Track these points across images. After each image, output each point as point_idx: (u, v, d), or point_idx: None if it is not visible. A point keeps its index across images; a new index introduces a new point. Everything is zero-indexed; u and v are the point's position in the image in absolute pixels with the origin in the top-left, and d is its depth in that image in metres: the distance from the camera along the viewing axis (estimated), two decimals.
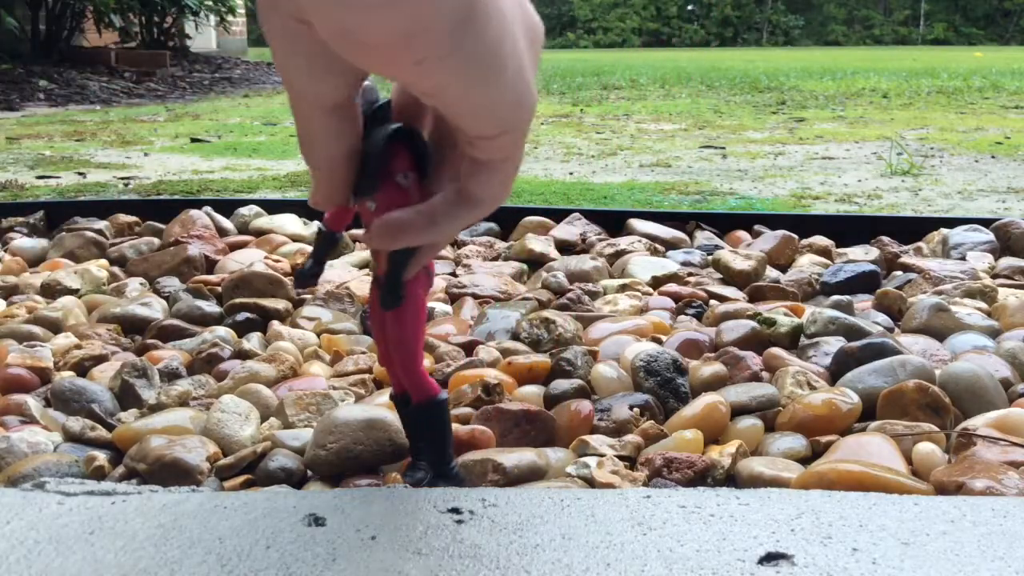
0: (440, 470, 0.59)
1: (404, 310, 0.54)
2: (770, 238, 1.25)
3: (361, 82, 0.45)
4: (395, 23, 0.36)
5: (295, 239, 1.29)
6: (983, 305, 0.98)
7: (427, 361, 0.83)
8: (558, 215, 1.37)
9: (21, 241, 1.29)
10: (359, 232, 1.34)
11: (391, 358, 0.57)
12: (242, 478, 0.64)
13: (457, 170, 0.47)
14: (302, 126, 0.45)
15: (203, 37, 8.22)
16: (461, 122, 0.43)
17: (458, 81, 0.39)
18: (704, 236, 1.33)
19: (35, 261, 1.23)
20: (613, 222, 1.37)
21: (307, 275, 0.56)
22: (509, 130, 0.43)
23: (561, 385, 0.76)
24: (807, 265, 1.16)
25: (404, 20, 0.36)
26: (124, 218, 1.37)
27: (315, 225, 1.37)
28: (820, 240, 1.25)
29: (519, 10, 0.42)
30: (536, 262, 1.20)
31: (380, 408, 0.69)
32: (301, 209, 1.41)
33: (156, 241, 1.27)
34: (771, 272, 1.15)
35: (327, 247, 0.56)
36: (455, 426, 0.69)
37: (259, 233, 1.32)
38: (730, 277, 1.12)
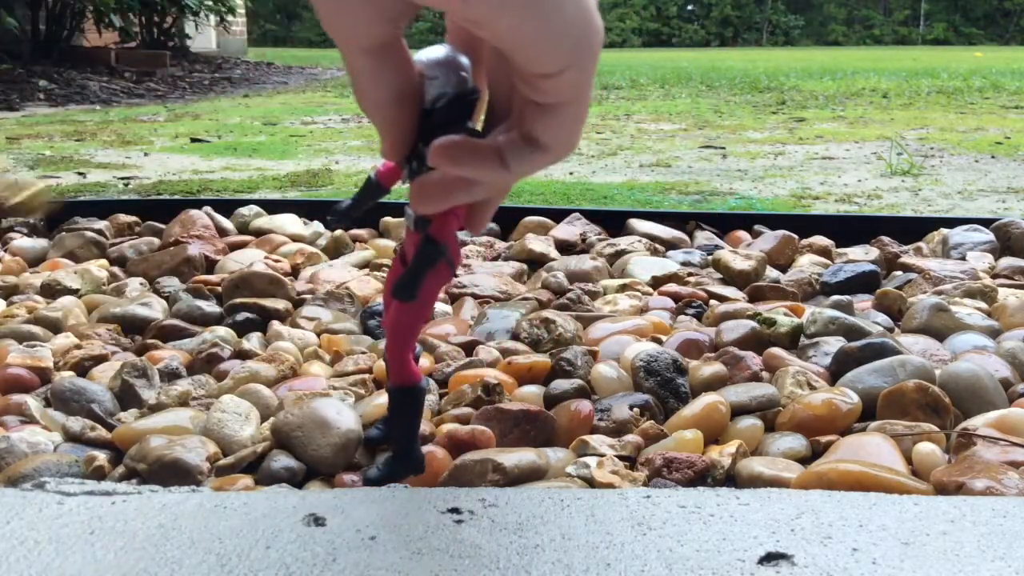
0: (401, 454, 0.58)
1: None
2: (770, 238, 1.25)
3: (406, 22, 0.42)
4: None
5: (295, 239, 1.29)
6: (983, 305, 0.98)
7: (426, 361, 0.83)
8: (558, 215, 1.37)
9: (21, 241, 1.29)
10: (360, 232, 1.34)
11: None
12: (242, 478, 0.64)
13: (519, 117, 0.43)
14: (349, 71, 0.42)
15: (203, 37, 8.22)
16: (518, 57, 0.39)
17: (511, 8, 0.36)
18: (704, 236, 1.33)
19: (35, 261, 1.23)
20: (613, 222, 1.37)
21: (342, 213, 0.55)
22: (572, 66, 0.39)
23: (561, 385, 0.76)
24: (807, 265, 1.16)
25: None
26: (124, 218, 1.37)
27: (315, 225, 1.37)
28: (820, 240, 1.25)
29: None
30: (536, 262, 1.20)
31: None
32: (301, 209, 1.41)
33: (156, 241, 1.27)
34: (771, 272, 1.15)
35: (370, 194, 0.54)
36: (455, 426, 0.69)
37: (259, 233, 1.32)
38: (730, 277, 1.12)
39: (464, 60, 0.46)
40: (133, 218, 1.37)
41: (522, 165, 0.43)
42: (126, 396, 0.78)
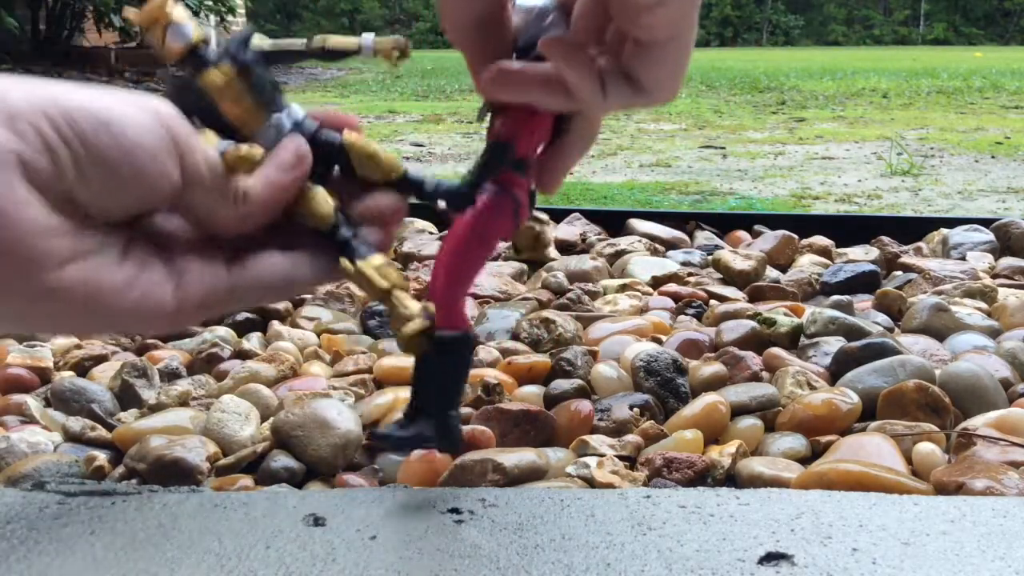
0: (442, 418, 0.50)
1: (474, 229, 0.48)
2: (770, 238, 1.25)
3: None
4: None
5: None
6: (983, 305, 0.98)
7: None
8: (558, 215, 1.37)
9: None
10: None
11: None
12: (242, 478, 0.64)
13: (615, 55, 0.41)
14: None
15: None
16: None
17: None
18: (704, 236, 1.33)
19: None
20: (613, 222, 1.37)
21: (465, 195, 0.47)
22: None
23: (561, 385, 0.76)
24: (807, 265, 1.16)
25: None
26: None
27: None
28: (820, 240, 1.25)
29: None
30: (536, 262, 1.20)
31: None
32: None
33: None
34: (771, 272, 1.15)
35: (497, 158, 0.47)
36: None
37: None
38: (730, 277, 1.12)
39: (557, 9, 0.43)
40: None
41: (619, 100, 0.41)
42: (126, 396, 0.78)
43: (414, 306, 0.46)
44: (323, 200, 0.44)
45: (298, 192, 0.44)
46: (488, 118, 0.47)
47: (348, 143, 0.45)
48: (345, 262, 0.44)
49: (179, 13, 0.43)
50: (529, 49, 0.43)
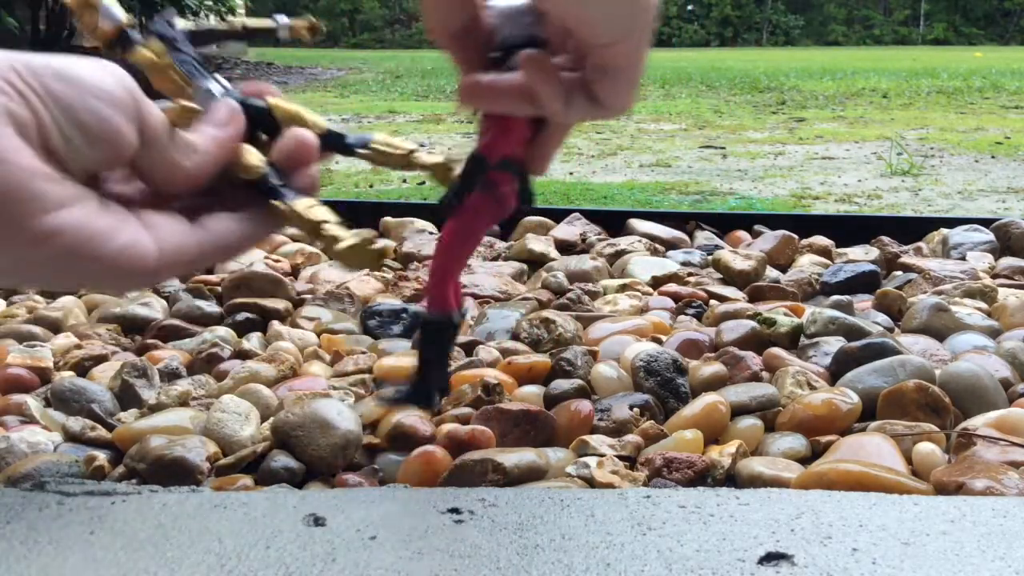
0: (417, 382, 0.57)
1: (460, 223, 0.53)
2: (770, 238, 1.25)
3: None
4: None
5: (295, 239, 1.29)
6: (983, 305, 0.98)
7: None
8: (558, 215, 1.37)
9: None
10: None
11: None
12: (242, 478, 0.64)
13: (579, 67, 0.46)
14: (421, 2, 0.46)
15: None
16: (581, 31, 0.43)
17: None
18: (704, 236, 1.33)
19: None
20: (613, 222, 1.37)
21: (449, 202, 0.52)
22: (627, 39, 0.43)
23: (561, 385, 0.76)
24: (807, 265, 1.16)
25: None
26: None
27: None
28: (820, 240, 1.25)
29: None
30: (536, 262, 1.20)
31: None
32: None
33: None
34: (771, 272, 1.15)
35: (476, 170, 0.52)
36: (455, 426, 0.69)
37: None
38: (730, 277, 1.12)
39: (530, 11, 0.47)
40: None
41: (580, 113, 0.46)
42: (126, 396, 0.78)
43: (345, 232, 0.49)
44: (253, 154, 0.48)
45: (234, 151, 0.47)
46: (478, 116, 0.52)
47: (273, 105, 0.49)
48: (277, 204, 0.47)
49: None
50: (506, 48, 0.47)
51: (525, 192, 0.54)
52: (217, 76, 0.50)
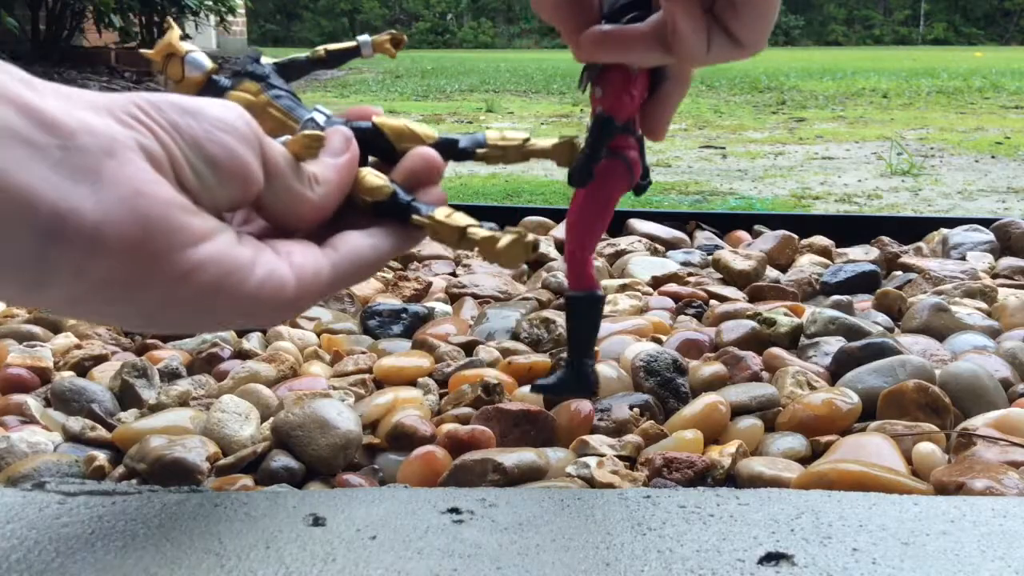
0: (578, 364, 0.58)
1: (593, 194, 0.52)
2: (770, 238, 1.25)
3: None
4: None
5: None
6: (983, 305, 0.98)
7: (426, 360, 0.83)
8: (558, 215, 1.37)
9: None
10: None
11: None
12: (242, 478, 0.64)
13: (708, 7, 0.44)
14: None
15: (203, 37, 8.21)
16: None
17: None
18: (704, 236, 1.33)
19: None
20: (613, 222, 1.36)
21: (583, 168, 0.51)
22: None
23: None
24: (807, 265, 1.16)
25: None
26: None
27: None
28: (820, 240, 1.25)
29: None
30: (536, 262, 1.20)
31: None
32: None
33: None
34: (771, 272, 1.15)
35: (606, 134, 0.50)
36: (455, 426, 0.69)
37: None
38: (730, 277, 1.12)
39: None
40: None
41: (720, 53, 0.44)
42: (126, 396, 0.78)
43: (495, 231, 0.48)
44: (375, 176, 0.47)
45: (355, 175, 0.46)
46: (589, 88, 0.50)
47: (380, 124, 0.48)
48: (418, 217, 0.47)
49: (189, 46, 0.45)
50: (614, 16, 0.46)
51: (642, 163, 0.53)
52: (318, 106, 0.48)
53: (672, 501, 0.56)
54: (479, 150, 0.51)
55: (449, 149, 0.50)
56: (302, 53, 0.52)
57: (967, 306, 0.97)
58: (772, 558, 0.49)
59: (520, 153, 0.52)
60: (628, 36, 0.45)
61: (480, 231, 0.47)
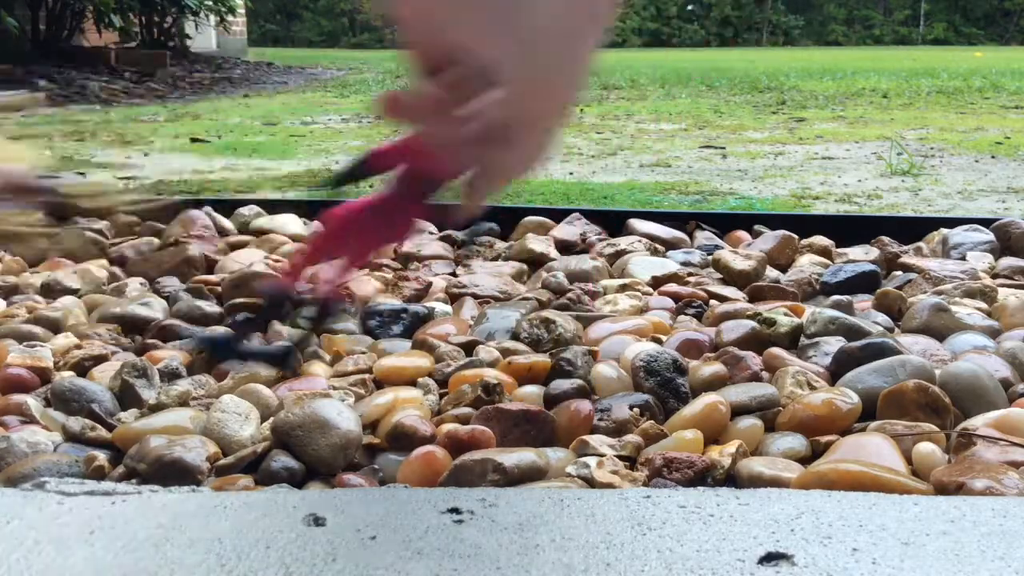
0: (243, 334, 0.62)
1: (346, 213, 0.54)
2: (770, 238, 1.25)
3: None
4: None
5: (295, 239, 1.29)
6: (983, 305, 0.98)
7: (426, 360, 0.83)
8: (558, 215, 1.37)
9: None
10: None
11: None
12: (242, 478, 0.64)
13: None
14: None
15: (203, 37, 8.21)
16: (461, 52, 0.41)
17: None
18: (704, 236, 1.33)
19: (35, 261, 1.23)
20: (613, 222, 1.37)
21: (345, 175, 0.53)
22: (520, 71, 0.39)
23: (561, 385, 0.76)
24: (807, 265, 1.16)
25: None
26: (124, 218, 1.37)
27: (315, 225, 1.36)
28: (820, 240, 1.25)
29: None
30: (536, 262, 1.20)
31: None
32: (301, 209, 1.41)
33: (156, 241, 1.27)
34: (771, 272, 1.15)
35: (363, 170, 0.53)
36: (455, 426, 0.69)
37: (259, 233, 1.32)
38: (730, 277, 1.12)
39: None
40: (133, 218, 1.37)
41: (474, 170, 0.45)
42: (126, 396, 0.78)
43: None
44: None
45: None
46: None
47: None
48: None
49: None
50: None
51: (442, 210, 0.54)
52: None
53: (672, 501, 0.56)
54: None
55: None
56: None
57: (967, 306, 0.97)
58: (772, 558, 0.49)
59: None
60: (417, 109, 0.43)
61: None
